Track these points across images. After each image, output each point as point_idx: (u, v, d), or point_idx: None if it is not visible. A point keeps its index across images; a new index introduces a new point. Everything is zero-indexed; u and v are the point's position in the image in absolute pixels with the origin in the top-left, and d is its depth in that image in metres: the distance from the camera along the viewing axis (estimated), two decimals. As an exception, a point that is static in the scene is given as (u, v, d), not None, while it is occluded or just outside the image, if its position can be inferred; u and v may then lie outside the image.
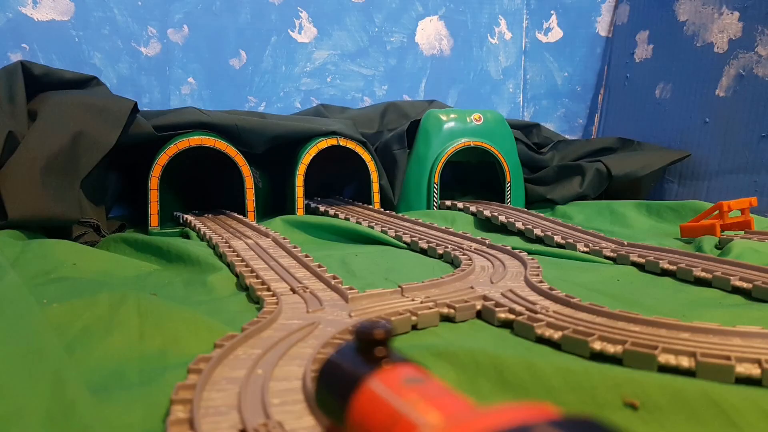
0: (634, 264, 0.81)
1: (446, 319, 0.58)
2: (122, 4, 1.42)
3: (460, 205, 1.30)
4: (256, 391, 0.38)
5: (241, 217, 1.15)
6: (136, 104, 1.09)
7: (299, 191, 1.23)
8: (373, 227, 1.07)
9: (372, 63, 1.69)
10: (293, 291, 0.63)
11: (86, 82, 1.18)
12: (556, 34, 1.85)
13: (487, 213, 1.19)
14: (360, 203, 1.36)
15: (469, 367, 0.43)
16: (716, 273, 0.70)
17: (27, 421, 0.32)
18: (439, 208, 1.33)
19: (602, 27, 1.83)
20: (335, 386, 0.23)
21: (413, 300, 0.61)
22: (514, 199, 1.38)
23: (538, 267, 0.75)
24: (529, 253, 0.88)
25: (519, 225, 1.07)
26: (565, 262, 0.84)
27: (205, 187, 1.39)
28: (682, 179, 1.47)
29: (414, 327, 0.56)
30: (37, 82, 1.08)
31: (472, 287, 0.66)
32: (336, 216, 1.20)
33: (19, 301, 0.50)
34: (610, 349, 0.47)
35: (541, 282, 0.67)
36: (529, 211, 1.25)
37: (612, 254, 0.86)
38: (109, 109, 1.04)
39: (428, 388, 0.21)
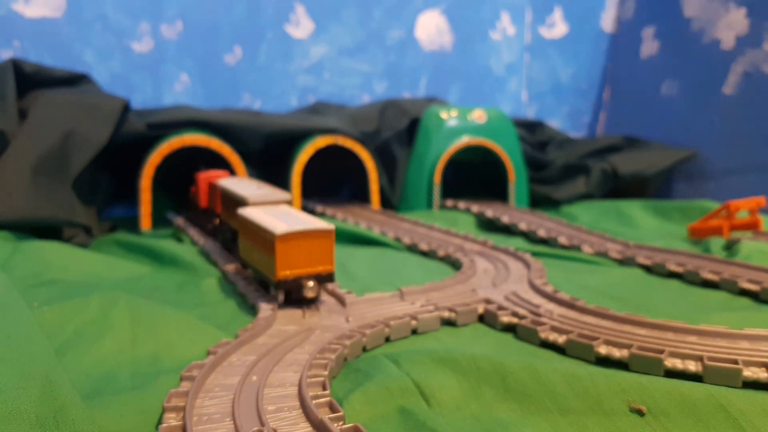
0: (641, 266, 0.80)
1: (447, 323, 0.57)
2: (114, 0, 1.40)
3: (462, 205, 1.28)
4: (250, 398, 0.37)
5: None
6: (127, 102, 1.08)
7: (295, 191, 1.21)
8: (371, 229, 1.06)
9: (371, 59, 1.66)
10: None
11: (77, 80, 1.16)
12: (559, 29, 1.82)
13: (489, 213, 1.17)
14: (358, 203, 1.35)
15: (472, 374, 0.42)
16: (724, 275, 0.69)
17: (17, 426, 0.31)
18: (441, 209, 1.32)
19: (607, 22, 1.80)
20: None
21: (413, 304, 0.59)
22: (518, 199, 1.36)
23: (542, 269, 0.74)
24: (533, 254, 0.86)
25: (523, 226, 1.06)
26: (570, 264, 0.83)
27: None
28: (688, 179, 1.46)
29: (414, 332, 0.55)
30: (28, 80, 1.07)
31: (474, 290, 0.64)
32: (334, 217, 1.18)
33: (10, 304, 0.49)
34: (616, 353, 0.46)
35: (545, 284, 0.66)
36: (533, 211, 1.24)
37: (618, 256, 0.84)
38: (100, 107, 1.03)
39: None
